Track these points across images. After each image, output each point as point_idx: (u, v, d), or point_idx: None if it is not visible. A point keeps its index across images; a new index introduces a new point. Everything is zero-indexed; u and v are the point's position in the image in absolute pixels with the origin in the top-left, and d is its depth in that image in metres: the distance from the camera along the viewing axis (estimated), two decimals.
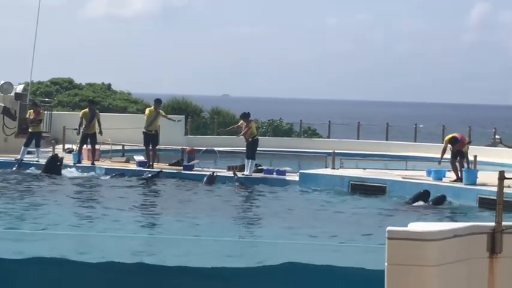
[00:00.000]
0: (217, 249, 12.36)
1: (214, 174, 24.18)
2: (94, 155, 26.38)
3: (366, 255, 11.04)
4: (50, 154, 26.88)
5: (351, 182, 23.21)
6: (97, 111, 27.57)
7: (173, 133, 33.58)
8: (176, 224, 17.28)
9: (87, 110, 26.90)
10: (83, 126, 26.37)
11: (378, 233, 16.14)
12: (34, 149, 26.93)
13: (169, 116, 27.27)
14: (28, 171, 25.28)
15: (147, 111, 26.68)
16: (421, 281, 6.71)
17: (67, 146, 29.33)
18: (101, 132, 26.42)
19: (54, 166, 25.13)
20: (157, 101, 27.06)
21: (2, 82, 29.57)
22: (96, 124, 26.69)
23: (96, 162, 26.24)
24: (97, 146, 26.89)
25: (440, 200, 21.00)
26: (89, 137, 26.35)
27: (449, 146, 22.51)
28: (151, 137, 25.99)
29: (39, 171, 25.05)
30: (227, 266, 10.40)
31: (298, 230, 16.75)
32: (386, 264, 6.73)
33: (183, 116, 28.14)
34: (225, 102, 49.78)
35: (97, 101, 43.87)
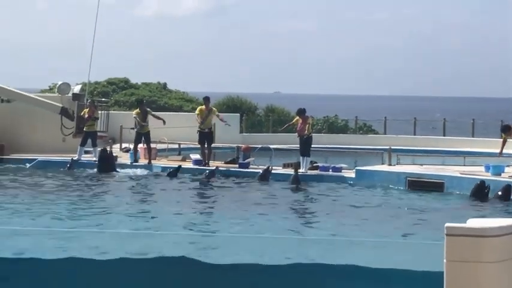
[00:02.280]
0: (283, 247, 12.37)
1: (270, 168, 24.18)
2: (150, 153, 26.61)
3: (425, 251, 10.97)
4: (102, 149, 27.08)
5: (408, 179, 23.04)
6: (148, 109, 27.78)
7: (228, 131, 33.66)
8: (237, 222, 17.32)
9: (139, 110, 27.13)
10: (138, 126, 26.62)
11: (435, 229, 16.06)
12: (91, 149, 27.26)
13: (221, 116, 27.24)
14: (83, 170, 25.58)
15: (197, 110, 26.80)
16: (480, 278, 6.64)
17: (124, 145, 29.66)
18: (164, 122, 26.58)
19: (107, 163, 25.39)
20: (206, 99, 27.16)
21: (60, 83, 29.95)
22: (150, 122, 26.86)
23: (152, 161, 26.46)
24: (153, 145, 27.10)
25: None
26: (142, 136, 26.58)
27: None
28: (205, 135, 26.12)
29: (94, 170, 25.36)
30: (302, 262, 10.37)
31: (359, 227, 16.67)
32: (445, 261, 6.68)
33: (229, 123, 28.03)
34: (277, 100, 49.82)
35: (153, 100, 44.29)
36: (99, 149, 26.71)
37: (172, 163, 26.35)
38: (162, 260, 10.38)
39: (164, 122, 26.71)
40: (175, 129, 30.24)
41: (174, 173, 24.77)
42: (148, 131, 26.68)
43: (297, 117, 25.60)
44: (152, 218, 17.69)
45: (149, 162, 26.27)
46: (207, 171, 24.65)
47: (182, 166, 25.49)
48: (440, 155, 31.57)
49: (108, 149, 26.47)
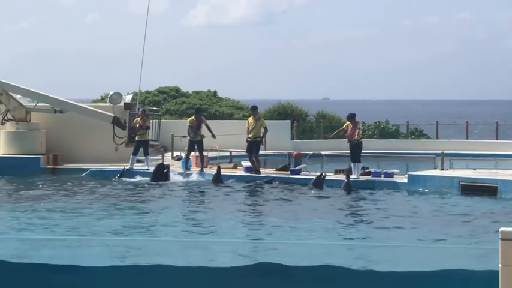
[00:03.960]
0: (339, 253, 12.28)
1: (324, 175, 24.14)
2: (202, 161, 26.75)
3: (480, 257, 10.84)
4: (159, 162, 27.38)
5: (461, 183, 22.83)
6: (203, 117, 27.94)
7: (279, 138, 33.73)
8: (297, 227, 17.34)
9: (193, 117, 27.33)
10: (191, 134, 26.78)
11: (490, 234, 15.89)
12: (144, 158, 27.46)
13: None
14: (135, 179, 25.77)
15: (247, 121, 26.92)
16: None
17: (175, 153, 29.83)
18: (213, 136, 26.79)
19: (161, 173, 25.62)
20: (253, 108, 27.21)
21: (112, 92, 30.22)
22: (202, 131, 27.05)
23: (204, 169, 26.57)
24: (205, 153, 27.23)
25: None
26: (195, 144, 26.75)
27: None
28: (252, 144, 26.20)
29: (146, 179, 25.54)
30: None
31: (415, 233, 16.57)
32: (500, 265, 6.61)
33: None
34: (325, 106, 49.72)
35: (204, 108, 44.49)
36: (152, 158, 26.88)
37: (224, 171, 26.37)
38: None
39: (214, 136, 26.81)
40: (226, 137, 30.33)
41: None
42: (201, 139, 26.84)
43: (347, 123, 25.52)
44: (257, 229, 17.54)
45: (201, 170, 26.40)
46: (269, 178, 24.53)
47: (233, 173, 25.53)
48: (493, 158, 31.20)
49: (162, 162, 26.60)
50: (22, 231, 16.61)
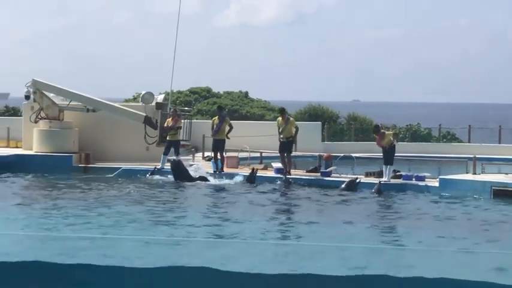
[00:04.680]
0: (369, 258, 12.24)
1: (358, 180, 24.08)
2: (223, 162, 26.76)
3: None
4: (190, 163, 27.39)
5: (493, 188, 22.67)
6: (227, 118, 27.95)
7: (310, 140, 33.68)
8: (322, 231, 17.30)
9: (217, 117, 27.40)
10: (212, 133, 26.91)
11: None
12: (174, 157, 27.50)
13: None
14: (164, 178, 25.86)
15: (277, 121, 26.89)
16: None
17: (206, 154, 29.86)
18: (227, 137, 26.80)
19: (180, 171, 25.62)
20: (280, 111, 27.19)
21: (144, 92, 30.34)
22: (234, 131, 27.11)
23: (234, 170, 26.58)
24: (235, 153, 27.20)
25: None
26: (217, 143, 26.75)
27: None
28: (285, 145, 26.17)
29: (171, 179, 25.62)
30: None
31: (448, 239, 16.46)
32: None
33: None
34: (356, 108, 49.59)
35: (235, 108, 44.53)
36: (183, 158, 26.96)
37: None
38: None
39: (228, 137, 26.79)
40: (257, 137, 30.32)
41: (250, 178, 24.95)
42: (224, 139, 26.83)
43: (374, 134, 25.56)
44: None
45: (221, 170, 26.42)
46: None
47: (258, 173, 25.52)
48: None
49: (176, 159, 26.59)
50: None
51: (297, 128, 26.44)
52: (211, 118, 30.82)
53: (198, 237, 16.02)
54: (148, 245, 14.24)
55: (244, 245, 14.60)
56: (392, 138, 24.97)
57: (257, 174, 25.44)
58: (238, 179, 25.65)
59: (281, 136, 26.19)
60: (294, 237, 16.63)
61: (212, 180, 25.55)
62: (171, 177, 25.74)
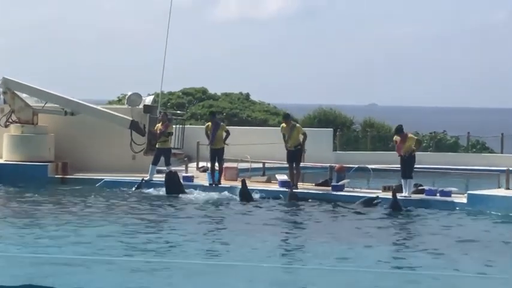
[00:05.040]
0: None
1: (377, 200, 24.03)
2: (220, 174, 26.70)
3: None
4: (168, 170, 27.25)
5: None
6: (222, 123, 27.87)
7: (320, 149, 33.64)
8: (335, 251, 17.27)
9: (210, 123, 27.25)
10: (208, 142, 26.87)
11: None
12: (165, 168, 27.43)
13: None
14: (149, 191, 25.79)
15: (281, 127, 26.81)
16: None
17: (201, 163, 29.77)
18: (225, 144, 26.76)
19: (174, 184, 25.60)
20: (284, 117, 27.16)
21: (130, 93, 30.23)
22: (231, 138, 27.06)
23: (233, 182, 26.53)
24: (234, 164, 27.15)
25: None
26: (215, 152, 26.67)
27: None
28: (291, 154, 26.08)
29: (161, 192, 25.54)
30: None
31: (477, 264, 16.40)
32: None
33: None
34: (373, 113, 49.60)
35: (234, 112, 44.50)
36: (175, 169, 26.91)
37: (256, 185, 26.27)
38: None
39: (225, 144, 26.78)
40: (259, 146, 30.28)
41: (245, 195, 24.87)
42: (223, 147, 26.77)
43: (396, 137, 25.37)
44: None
45: (218, 183, 26.36)
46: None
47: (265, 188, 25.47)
48: None
49: (171, 170, 26.59)
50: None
51: (305, 135, 26.38)
52: (207, 123, 30.72)
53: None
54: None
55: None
56: (414, 146, 24.87)
57: (258, 188, 25.39)
58: (233, 193, 25.49)
59: (288, 145, 26.12)
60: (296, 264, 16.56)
61: (202, 195, 25.24)
62: (162, 192, 25.64)
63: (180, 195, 25.19)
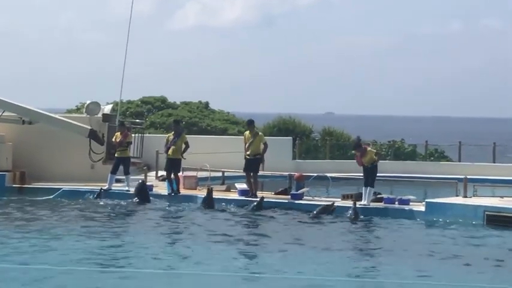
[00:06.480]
0: None
1: (334, 206, 24.07)
2: (178, 182, 26.70)
3: None
4: (141, 180, 27.26)
5: (487, 213, 22.73)
6: (183, 133, 27.80)
7: (280, 157, 33.64)
8: (290, 260, 17.24)
9: (172, 133, 27.29)
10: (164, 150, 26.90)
11: None
12: (123, 177, 27.33)
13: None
14: (111, 201, 25.69)
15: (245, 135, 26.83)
16: None
17: (160, 173, 29.69)
18: (182, 157, 26.78)
19: (144, 193, 25.64)
20: (248, 123, 27.15)
21: (89, 102, 30.12)
22: (192, 147, 27.04)
23: (192, 191, 26.48)
24: (194, 173, 27.08)
25: None
26: (169, 162, 26.64)
27: None
28: (249, 163, 26.09)
29: (127, 201, 25.46)
30: None
31: (429, 272, 16.42)
32: None
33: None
34: (330, 121, 49.76)
35: (194, 121, 44.41)
36: (134, 178, 26.82)
37: (216, 194, 26.17)
38: None
39: (182, 157, 26.83)
40: (219, 154, 30.22)
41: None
42: (179, 159, 26.72)
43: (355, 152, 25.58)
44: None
45: (177, 192, 26.36)
46: (254, 204, 24.67)
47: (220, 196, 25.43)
48: None
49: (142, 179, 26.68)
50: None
51: (265, 145, 26.38)
52: (166, 132, 30.71)
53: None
54: None
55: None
56: (375, 157, 24.97)
57: (219, 197, 25.36)
58: (194, 202, 25.53)
59: (247, 153, 26.11)
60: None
61: (162, 204, 25.31)
62: (119, 201, 25.58)
63: (146, 204, 25.27)
